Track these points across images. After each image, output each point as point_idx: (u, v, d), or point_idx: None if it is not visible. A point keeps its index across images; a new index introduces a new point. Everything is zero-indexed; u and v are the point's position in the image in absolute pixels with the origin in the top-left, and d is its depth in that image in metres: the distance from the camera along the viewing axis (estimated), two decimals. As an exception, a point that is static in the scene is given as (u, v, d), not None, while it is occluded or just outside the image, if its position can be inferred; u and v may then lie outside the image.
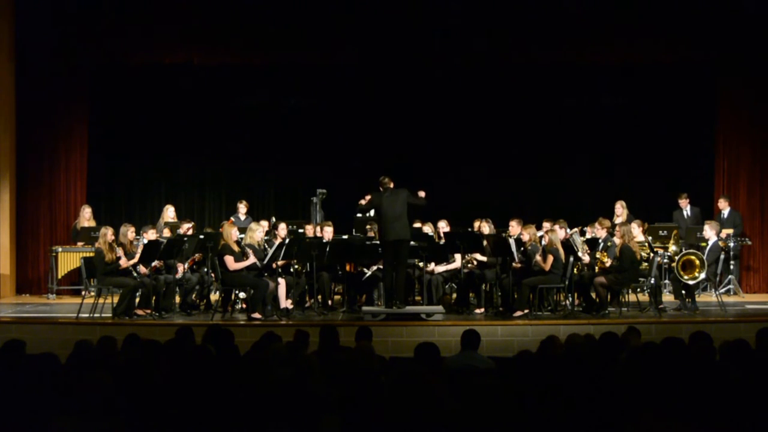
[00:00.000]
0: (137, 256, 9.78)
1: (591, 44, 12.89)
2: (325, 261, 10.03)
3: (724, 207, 12.35)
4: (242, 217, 12.05)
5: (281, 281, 9.85)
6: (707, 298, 11.19)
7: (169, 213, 11.87)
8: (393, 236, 9.29)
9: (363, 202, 10.05)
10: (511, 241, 10.00)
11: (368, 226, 11.12)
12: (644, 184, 13.27)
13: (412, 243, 9.80)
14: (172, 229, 11.10)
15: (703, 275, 9.89)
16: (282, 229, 10.46)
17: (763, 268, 12.87)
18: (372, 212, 12.02)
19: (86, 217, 12.30)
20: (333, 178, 12.80)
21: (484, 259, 10.15)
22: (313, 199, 11.88)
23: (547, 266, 9.57)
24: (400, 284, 9.42)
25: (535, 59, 13.10)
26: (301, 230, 11.21)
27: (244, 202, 12.23)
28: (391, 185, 9.46)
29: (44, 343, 8.08)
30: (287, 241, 10.00)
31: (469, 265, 10.27)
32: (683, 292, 10.09)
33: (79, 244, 11.96)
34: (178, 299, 10.33)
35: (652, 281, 10.04)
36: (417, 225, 10.69)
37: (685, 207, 12.36)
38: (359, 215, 12.17)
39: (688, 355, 5.07)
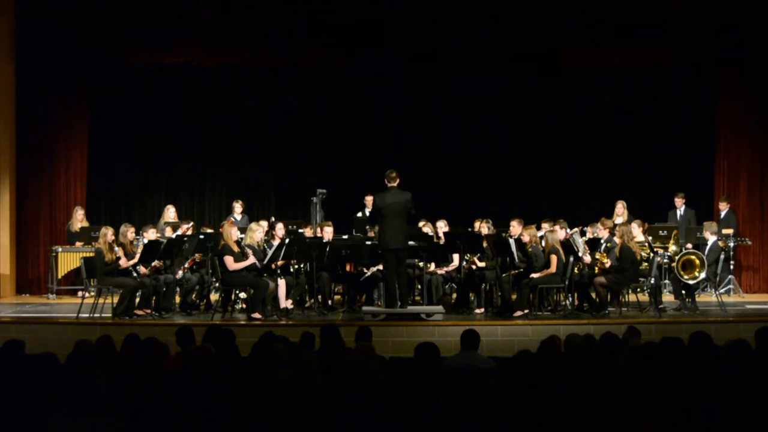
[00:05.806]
0: (137, 256, 9.78)
1: (591, 44, 12.88)
2: (325, 261, 10.02)
3: (724, 208, 12.36)
4: (238, 217, 12.03)
5: (281, 281, 9.84)
6: (707, 298, 11.18)
7: (170, 213, 11.85)
8: (395, 245, 9.22)
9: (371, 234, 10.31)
10: (511, 241, 9.99)
11: (368, 226, 11.12)
12: (644, 184, 13.27)
13: (411, 243, 9.84)
14: (174, 229, 11.08)
15: (703, 275, 9.89)
16: (280, 229, 10.44)
17: (763, 268, 12.86)
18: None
19: (79, 219, 12.31)
20: (333, 179, 12.81)
21: (483, 264, 10.15)
22: (313, 199, 11.87)
23: (553, 267, 9.57)
24: (403, 288, 9.40)
25: (535, 60, 13.10)
26: (301, 230, 11.20)
27: (240, 202, 12.22)
28: (396, 183, 9.34)
29: (44, 343, 8.09)
30: (287, 241, 9.99)
31: (473, 266, 10.27)
32: (683, 292, 10.09)
33: (78, 244, 11.95)
34: (178, 299, 10.33)
35: (652, 281, 10.04)
36: (421, 224, 10.70)
37: (680, 207, 12.35)
38: (359, 215, 12.17)
39: (687, 355, 5.07)
